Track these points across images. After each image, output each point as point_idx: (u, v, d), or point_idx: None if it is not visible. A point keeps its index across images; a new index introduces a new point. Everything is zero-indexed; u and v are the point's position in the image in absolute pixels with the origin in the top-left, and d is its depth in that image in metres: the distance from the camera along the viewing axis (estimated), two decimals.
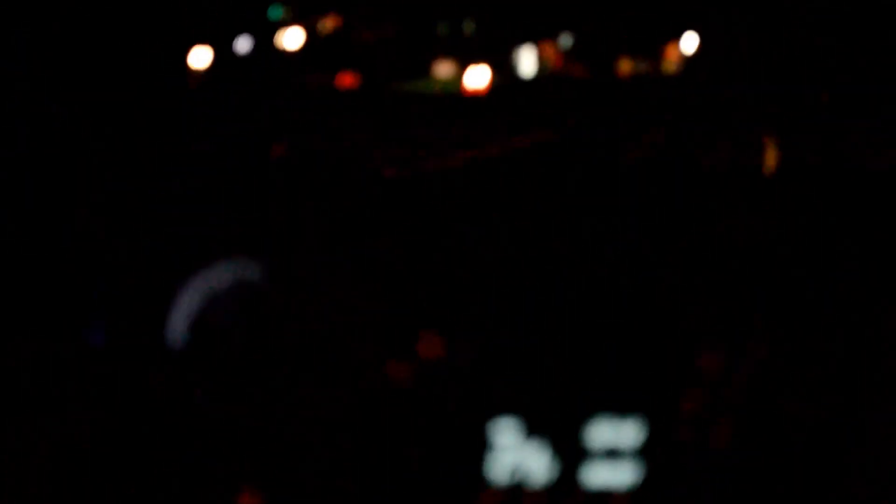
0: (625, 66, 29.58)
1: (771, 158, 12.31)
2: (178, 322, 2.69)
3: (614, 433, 2.17)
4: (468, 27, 29.48)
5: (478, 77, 29.38)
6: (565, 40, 31.00)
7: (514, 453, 2.23)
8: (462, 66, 34.26)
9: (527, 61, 34.10)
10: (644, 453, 2.15)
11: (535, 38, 34.04)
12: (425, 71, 32.05)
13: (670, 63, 30.76)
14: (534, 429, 2.25)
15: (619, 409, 2.39)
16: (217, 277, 2.66)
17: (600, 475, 2.17)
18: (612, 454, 2.17)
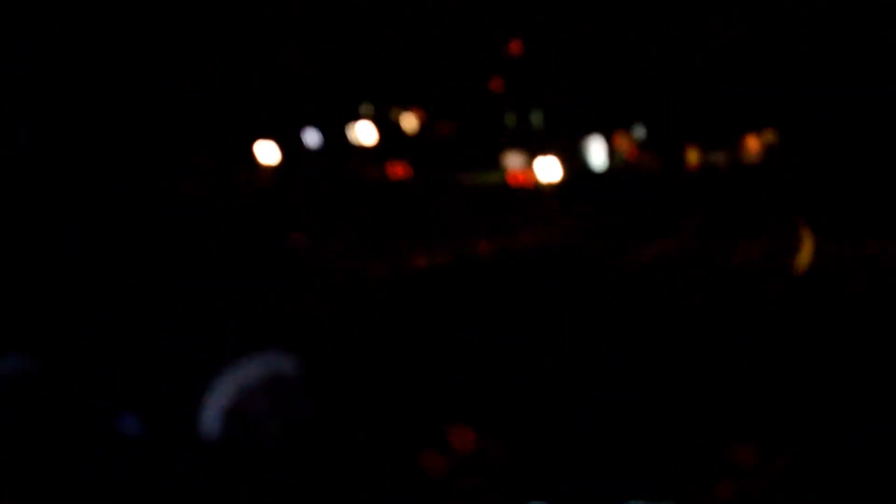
0: (695, 156, 29.12)
1: (806, 253, 11.72)
2: (212, 413, 2.65)
3: None
4: (536, 119, 29.64)
5: (547, 168, 29.45)
6: (638, 131, 30.75)
7: None
8: (531, 158, 34.35)
9: (597, 152, 33.82)
10: None
11: (608, 129, 33.95)
12: (494, 162, 32.23)
13: (743, 154, 30.24)
14: None
15: (652, 498, 2.35)
16: (250, 370, 2.61)
17: None
18: None
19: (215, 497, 2.68)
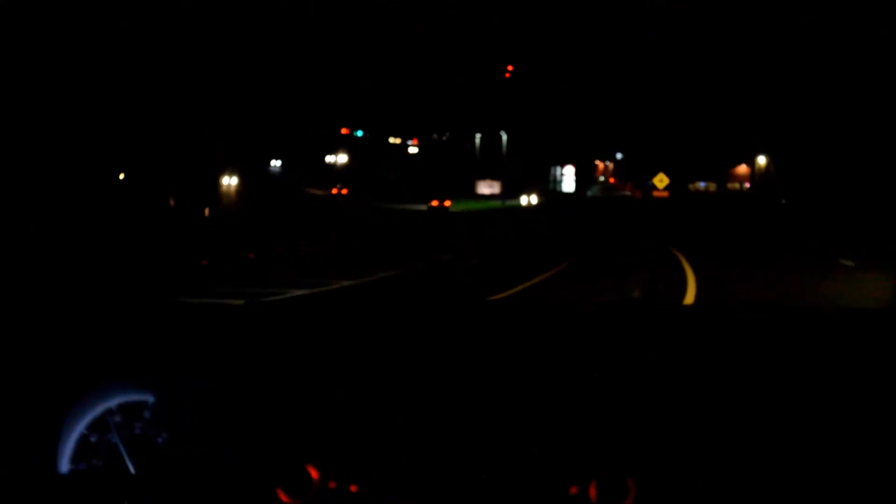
0: (693, 185, 28.99)
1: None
2: (65, 448, 2.29)
3: None
4: (507, 146, 29.18)
5: (528, 198, 28.70)
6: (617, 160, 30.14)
7: None
8: (504, 186, 33.41)
9: (569, 180, 33.10)
10: None
11: (586, 157, 33.13)
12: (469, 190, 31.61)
13: (734, 182, 29.91)
14: None
15: None
16: (107, 401, 2.30)
17: None
18: None
19: None
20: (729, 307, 4.56)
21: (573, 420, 2.11)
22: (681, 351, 2.25)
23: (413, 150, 39.76)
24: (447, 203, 23.57)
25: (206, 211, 17.83)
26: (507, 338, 2.43)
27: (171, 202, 17.79)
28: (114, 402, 2.28)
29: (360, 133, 40.82)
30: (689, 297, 10.55)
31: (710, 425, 2.06)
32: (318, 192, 29.03)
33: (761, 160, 30.34)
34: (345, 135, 39.21)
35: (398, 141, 41.66)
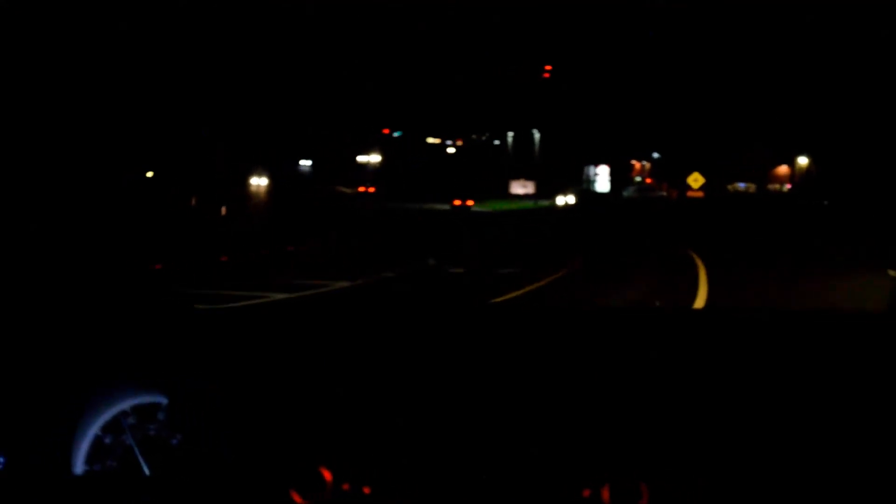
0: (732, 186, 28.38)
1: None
2: (79, 448, 2.12)
3: None
4: (539, 146, 29.17)
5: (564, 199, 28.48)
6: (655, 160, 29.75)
7: None
8: (538, 186, 33.10)
9: (603, 180, 32.71)
10: None
11: (622, 157, 32.61)
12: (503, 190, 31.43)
13: (774, 183, 29.23)
14: None
15: None
16: (121, 400, 2.12)
17: None
18: None
19: None
20: (734, 310, 4.48)
21: (585, 422, 2.02)
22: (686, 353, 2.15)
23: (450, 150, 39.66)
24: (470, 203, 23.26)
25: (223, 210, 17.81)
26: (511, 339, 2.33)
27: (193, 201, 17.82)
28: (127, 404, 2.21)
29: (398, 133, 41.17)
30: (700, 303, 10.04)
31: (721, 429, 1.96)
32: (347, 191, 29.22)
33: (802, 161, 29.64)
34: (382, 135, 39.30)
35: (437, 141, 41.65)
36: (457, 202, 23.59)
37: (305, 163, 34.29)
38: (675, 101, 30.39)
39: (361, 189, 29.72)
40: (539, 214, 25.34)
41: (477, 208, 24.52)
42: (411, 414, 2.11)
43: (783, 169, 30.44)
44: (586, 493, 2.01)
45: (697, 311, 6.36)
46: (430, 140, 40.79)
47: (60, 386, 2.26)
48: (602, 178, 35.51)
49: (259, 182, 25.92)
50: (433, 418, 2.11)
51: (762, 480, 1.98)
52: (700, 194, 28.81)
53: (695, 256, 15.16)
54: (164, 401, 2.24)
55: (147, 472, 2.18)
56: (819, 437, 1.98)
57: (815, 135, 28.34)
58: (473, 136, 40.50)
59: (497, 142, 38.36)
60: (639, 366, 2.13)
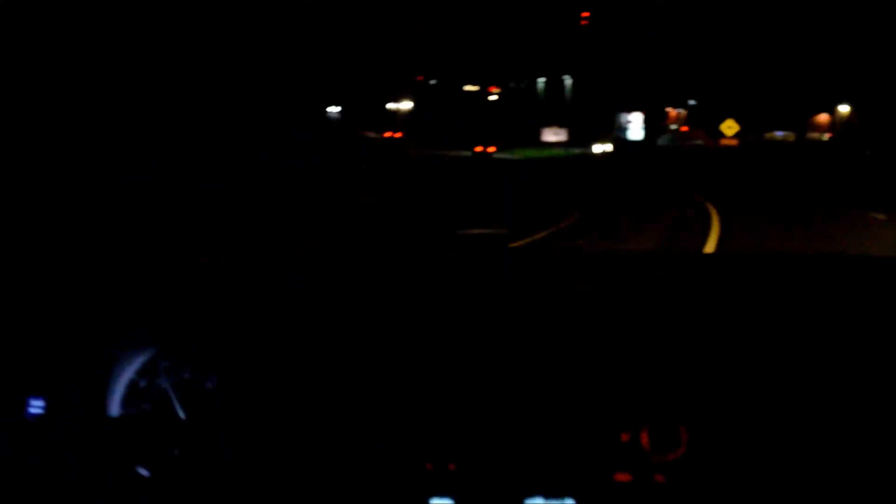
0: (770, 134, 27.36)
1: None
2: (116, 392, 2.08)
3: None
4: (572, 92, 28.39)
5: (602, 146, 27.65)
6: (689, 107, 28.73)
7: None
8: (570, 133, 32.22)
9: (636, 127, 31.86)
10: None
11: (656, 104, 31.56)
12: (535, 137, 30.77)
13: (814, 132, 28.08)
14: None
15: (552, 494, 1.82)
16: (155, 349, 2.07)
17: None
18: None
19: (119, 474, 1.97)
20: (743, 256, 4.51)
21: (622, 366, 1.91)
22: (713, 297, 2.14)
23: (478, 96, 39.12)
24: (491, 149, 22.71)
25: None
26: (538, 285, 2.20)
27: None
28: (162, 348, 2.13)
29: (433, 81, 40.70)
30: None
31: (754, 371, 1.82)
32: (372, 135, 28.90)
33: (843, 109, 28.61)
34: (416, 82, 38.91)
35: (474, 88, 41.09)
36: (478, 149, 23.05)
37: (334, 109, 34.08)
38: (712, 46, 29.55)
39: (387, 134, 29.38)
40: (570, 163, 24.66)
41: (505, 155, 23.96)
42: (445, 365, 2.04)
43: (823, 117, 29.48)
44: (625, 437, 1.88)
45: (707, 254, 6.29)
46: (467, 87, 40.30)
47: (96, 330, 2.15)
48: (635, 126, 34.67)
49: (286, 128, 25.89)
50: (468, 371, 2.04)
51: (808, 428, 1.89)
52: (734, 142, 27.93)
53: (712, 211, 14.52)
54: (198, 344, 2.10)
55: (182, 415, 2.10)
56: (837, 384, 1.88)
57: (857, 83, 27.43)
58: (511, 85, 39.82)
59: (529, 89, 37.67)
60: (665, 311, 2.08)
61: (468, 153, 23.88)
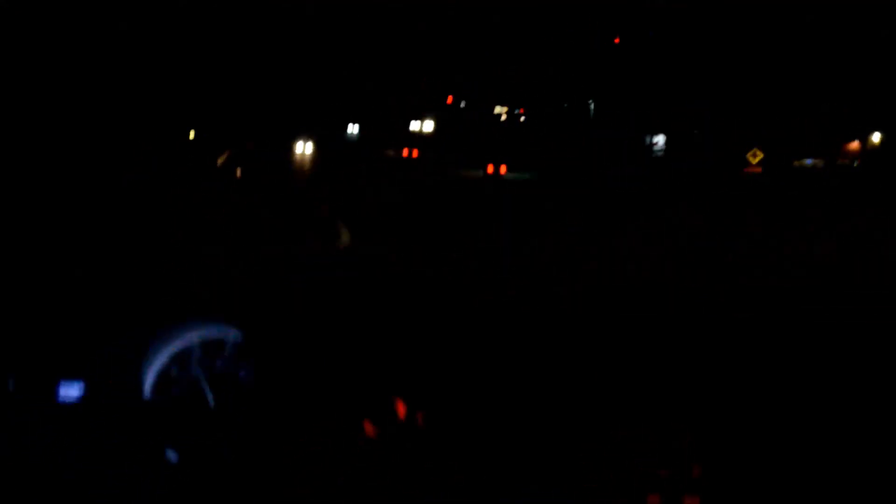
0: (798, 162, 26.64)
1: None
2: (150, 377, 2.29)
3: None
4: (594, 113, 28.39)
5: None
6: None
7: None
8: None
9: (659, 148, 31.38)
10: None
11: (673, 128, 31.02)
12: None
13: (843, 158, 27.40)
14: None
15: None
16: (188, 336, 2.24)
17: None
18: None
19: (152, 456, 2.14)
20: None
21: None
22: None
23: (503, 118, 38.96)
24: (503, 170, 22.36)
25: (238, 171, 17.59)
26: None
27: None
28: (196, 338, 2.30)
29: (463, 104, 40.84)
30: None
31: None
32: (391, 154, 28.82)
33: (875, 138, 27.68)
34: (437, 102, 38.84)
35: (503, 110, 40.98)
36: (490, 169, 22.71)
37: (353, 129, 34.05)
38: (742, 71, 28.94)
39: (405, 153, 29.24)
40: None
41: (516, 175, 23.73)
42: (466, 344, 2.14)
43: (854, 145, 28.55)
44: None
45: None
46: (501, 110, 40.20)
47: (134, 319, 2.36)
48: (659, 148, 34.34)
49: (305, 148, 25.77)
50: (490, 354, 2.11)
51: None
52: (758, 170, 27.11)
53: None
54: (233, 336, 2.32)
55: (212, 403, 2.27)
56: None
57: (890, 110, 26.58)
58: (542, 108, 39.66)
59: (556, 112, 37.51)
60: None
61: (482, 173, 23.68)
